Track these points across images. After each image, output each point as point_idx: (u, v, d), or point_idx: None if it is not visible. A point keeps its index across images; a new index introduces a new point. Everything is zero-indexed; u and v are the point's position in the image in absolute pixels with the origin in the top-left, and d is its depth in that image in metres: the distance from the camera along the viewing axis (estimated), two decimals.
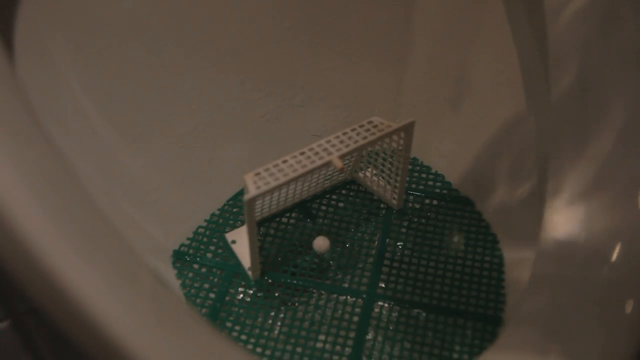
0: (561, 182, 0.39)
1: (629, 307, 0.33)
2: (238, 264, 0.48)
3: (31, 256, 0.27)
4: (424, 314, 0.45)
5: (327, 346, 0.43)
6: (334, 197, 0.52)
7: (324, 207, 0.52)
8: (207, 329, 0.41)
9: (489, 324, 0.44)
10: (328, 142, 0.45)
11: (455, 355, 0.43)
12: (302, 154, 0.44)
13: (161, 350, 0.29)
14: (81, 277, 0.28)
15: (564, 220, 0.38)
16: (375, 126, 0.46)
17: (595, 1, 0.39)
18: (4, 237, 0.27)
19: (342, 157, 0.43)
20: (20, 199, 0.27)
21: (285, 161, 0.43)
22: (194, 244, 0.49)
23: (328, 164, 0.43)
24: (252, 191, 0.41)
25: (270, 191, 0.42)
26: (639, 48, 0.39)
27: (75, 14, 0.44)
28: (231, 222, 0.51)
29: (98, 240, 0.31)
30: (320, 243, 0.48)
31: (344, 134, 0.45)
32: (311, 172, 0.43)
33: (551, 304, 0.37)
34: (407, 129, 0.46)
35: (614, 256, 0.35)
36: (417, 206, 0.53)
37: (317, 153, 0.44)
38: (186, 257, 0.48)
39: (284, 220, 0.50)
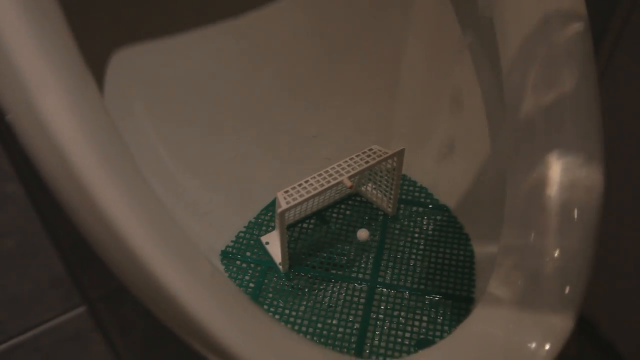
0: (513, 197, 0.44)
1: (566, 290, 0.39)
2: (271, 260, 0.52)
3: (133, 254, 0.32)
4: (414, 296, 0.49)
5: (341, 322, 0.48)
6: (342, 206, 0.57)
7: (334, 215, 0.56)
8: (256, 305, 0.47)
9: (463, 302, 0.49)
10: (339, 165, 0.50)
11: (438, 327, 0.47)
12: (320, 175, 0.49)
13: (224, 316, 0.34)
14: (168, 264, 0.32)
15: (517, 225, 0.43)
16: (374, 152, 0.51)
17: (537, 58, 0.45)
18: (119, 243, 0.32)
19: (350, 177, 0.48)
20: (129, 211, 0.32)
21: (307, 181, 0.48)
22: (236, 245, 0.54)
23: (340, 183, 0.48)
24: (283, 205, 0.46)
25: (297, 205, 0.47)
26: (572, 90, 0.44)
27: (148, 73, 0.48)
28: (264, 227, 0.55)
29: (178, 238, 0.36)
30: (362, 234, 0.53)
31: (351, 159, 0.50)
32: (327, 189, 0.48)
33: (510, 288, 0.41)
34: (399, 155, 0.51)
35: (556, 254, 0.40)
36: (407, 212, 0.56)
37: (331, 174, 0.49)
38: (230, 255, 0.53)
39: (305, 225, 0.55)
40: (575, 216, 0.41)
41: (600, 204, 0.40)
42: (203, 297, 0.34)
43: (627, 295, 1.16)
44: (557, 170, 0.42)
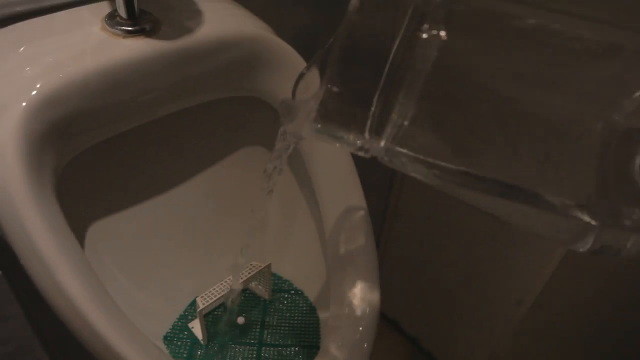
0: (334, 291, 0.66)
1: (369, 347, 0.60)
2: (196, 338, 0.74)
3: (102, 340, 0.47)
4: (285, 348, 0.72)
5: None
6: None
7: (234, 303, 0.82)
8: None
9: (314, 349, 0.71)
10: (236, 276, 0.77)
11: None
12: (222, 284, 0.75)
13: None
14: (134, 351, 0.48)
15: (338, 305, 0.64)
16: (254, 266, 0.73)
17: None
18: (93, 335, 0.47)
19: (241, 283, 0.76)
20: (107, 323, 0.47)
21: (216, 288, 0.75)
22: (173, 331, 0.74)
23: (233, 290, 0.76)
24: (200, 306, 0.69)
25: (209, 305, 0.72)
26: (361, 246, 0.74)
27: (112, 234, 0.66)
28: (190, 317, 0.76)
29: (139, 336, 0.51)
30: (240, 320, 0.75)
31: (245, 268, 0.76)
32: (230, 292, 0.74)
33: (334, 339, 0.60)
34: (268, 267, 0.74)
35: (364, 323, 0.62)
36: (277, 297, 0.79)
37: (233, 282, 0.76)
38: (169, 338, 0.73)
39: (216, 312, 0.78)
40: (365, 306, 0.63)
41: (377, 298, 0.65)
42: None
43: (427, 300, 1.48)
44: (353, 286, 0.64)
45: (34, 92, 0.50)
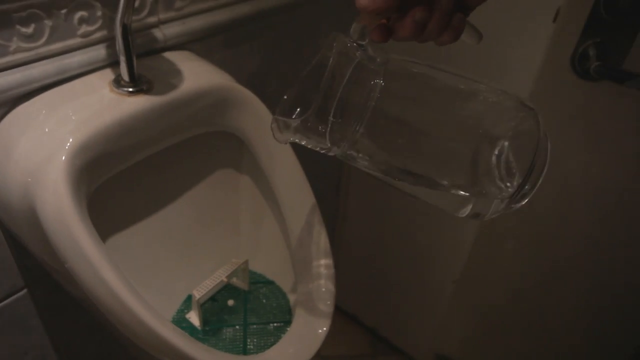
0: (298, 275, 0.93)
1: (331, 303, 0.87)
2: (194, 326, 0.94)
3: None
4: (264, 324, 0.93)
5: (231, 343, 0.91)
6: (224, 289, 1.00)
7: (219, 296, 0.99)
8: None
9: (287, 323, 0.89)
10: (219, 272, 0.97)
11: (280, 334, 0.93)
12: (211, 278, 0.96)
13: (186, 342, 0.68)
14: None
15: (302, 283, 0.91)
16: (234, 263, 0.95)
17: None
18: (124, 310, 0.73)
19: (226, 277, 0.96)
20: (144, 310, 0.75)
21: (205, 283, 0.96)
22: (174, 320, 0.94)
23: (221, 282, 0.96)
24: (197, 297, 0.91)
25: (204, 296, 0.92)
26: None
27: (123, 245, 0.91)
28: (185, 310, 0.95)
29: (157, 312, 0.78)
30: (230, 302, 0.95)
31: (224, 269, 0.98)
32: (217, 285, 0.95)
33: (309, 302, 0.84)
34: (245, 263, 0.92)
35: (325, 287, 0.88)
36: (254, 287, 0.94)
37: (217, 277, 0.96)
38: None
39: (207, 304, 1.00)
40: (323, 279, 0.88)
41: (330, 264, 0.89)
42: (189, 341, 0.66)
43: (381, 292, 1.69)
44: (313, 270, 0.84)
45: (69, 144, 0.69)
